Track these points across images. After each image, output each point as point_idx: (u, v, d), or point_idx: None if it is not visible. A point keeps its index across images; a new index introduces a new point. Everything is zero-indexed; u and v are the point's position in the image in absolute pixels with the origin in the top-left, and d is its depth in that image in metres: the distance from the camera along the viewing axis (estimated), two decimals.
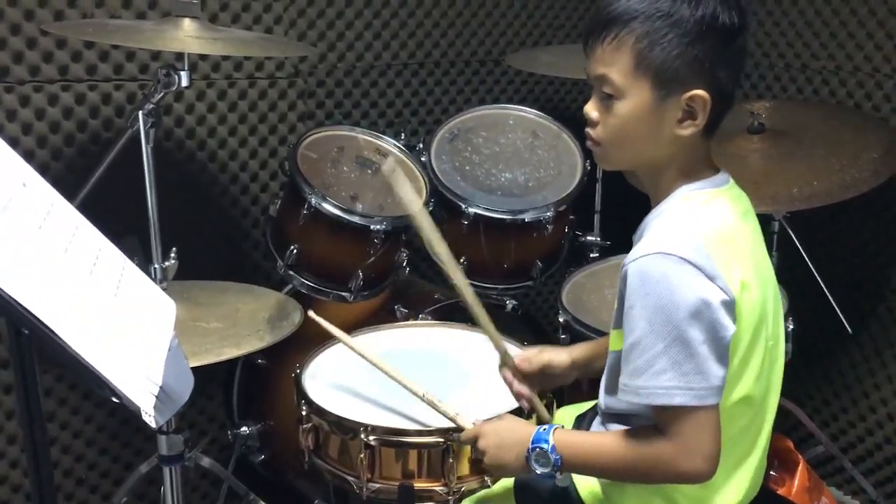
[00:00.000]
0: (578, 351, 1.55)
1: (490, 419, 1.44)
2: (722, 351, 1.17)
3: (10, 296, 0.74)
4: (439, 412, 1.50)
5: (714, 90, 1.21)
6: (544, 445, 1.29)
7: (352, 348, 1.67)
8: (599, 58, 1.23)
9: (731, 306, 1.17)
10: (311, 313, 1.70)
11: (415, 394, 1.54)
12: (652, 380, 1.17)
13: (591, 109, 1.27)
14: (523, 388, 1.52)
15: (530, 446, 1.30)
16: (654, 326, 1.16)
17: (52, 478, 0.99)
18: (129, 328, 0.93)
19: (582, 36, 1.28)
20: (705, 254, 1.16)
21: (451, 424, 1.49)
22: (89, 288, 0.89)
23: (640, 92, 1.21)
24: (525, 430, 1.34)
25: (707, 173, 1.28)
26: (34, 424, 1.03)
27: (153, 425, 0.85)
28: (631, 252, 1.21)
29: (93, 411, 2.19)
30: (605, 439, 1.30)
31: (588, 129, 1.28)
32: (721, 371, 1.17)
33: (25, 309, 0.75)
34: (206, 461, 2.06)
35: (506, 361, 1.55)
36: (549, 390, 1.58)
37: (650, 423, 1.23)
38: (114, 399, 0.84)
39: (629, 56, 1.20)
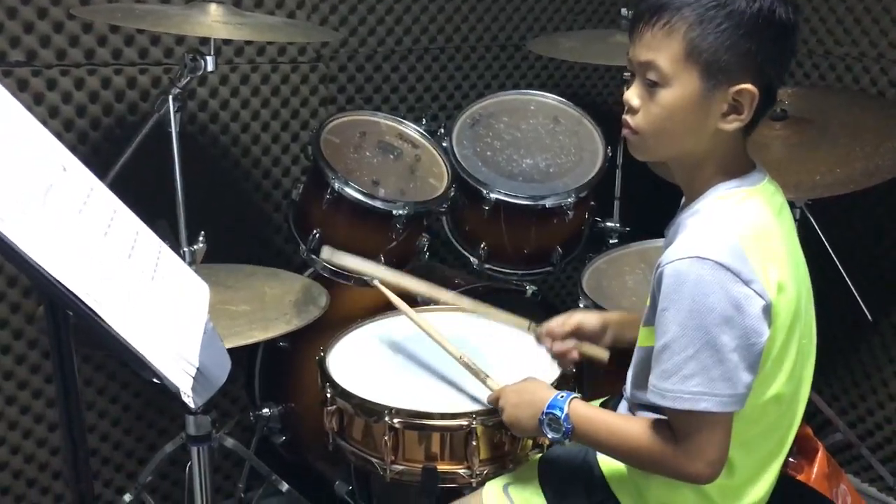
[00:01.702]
0: (612, 315, 1.57)
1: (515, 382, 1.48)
2: (753, 359, 1.17)
3: (56, 279, 0.76)
4: (472, 373, 1.55)
5: (762, 85, 1.19)
6: (558, 413, 1.32)
7: (407, 314, 1.72)
8: (647, 43, 1.20)
9: (767, 310, 1.17)
10: (376, 282, 1.77)
11: (452, 354, 1.59)
12: (679, 384, 1.17)
13: (633, 96, 1.23)
14: (564, 345, 1.55)
15: (545, 411, 1.33)
16: (685, 330, 1.16)
17: (89, 461, 1.01)
18: (166, 311, 0.94)
19: (630, 20, 1.25)
20: (742, 257, 1.15)
21: (476, 407, 1.52)
22: (128, 271, 0.91)
23: (687, 81, 1.18)
24: (544, 393, 1.37)
25: (744, 170, 1.26)
26: (70, 403, 1.05)
27: (192, 406, 0.87)
28: (666, 253, 1.20)
29: (118, 392, 2.22)
30: (618, 422, 1.32)
31: (626, 117, 1.25)
32: (749, 379, 1.17)
33: (71, 293, 0.77)
34: (229, 442, 2.09)
35: (538, 333, 1.58)
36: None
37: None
38: (154, 380, 0.85)
39: (680, 43, 1.17)
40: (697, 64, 1.17)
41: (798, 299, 1.24)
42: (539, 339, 1.60)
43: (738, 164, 1.26)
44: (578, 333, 1.56)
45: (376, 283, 1.77)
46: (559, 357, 1.58)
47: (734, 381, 1.16)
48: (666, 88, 1.20)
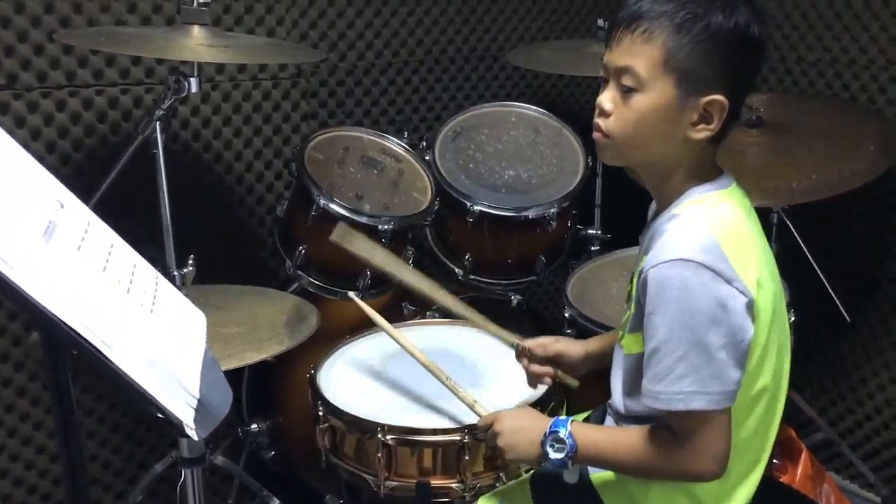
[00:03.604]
0: (593, 345, 1.59)
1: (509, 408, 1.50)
2: (740, 355, 1.20)
3: (63, 322, 0.77)
4: (458, 397, 1.56)
5: (732, 98, 1.22)
6: (562, 430, 1.32)
7: (389, 332, 1.73)
8: (626, 48, 1.22)
9: (750, 307, 1.20)
10: (351, 294, 1.84)
11: (438, 378, 1.60)
12: (671, 385, 1.20)
13: (605, 100, 1.25)
14: (542, 369, 1.57)
15: (548, 430, 1.34)
16: (674, 332, 1.18)
17: (88, 488, 1.02)
18: (166, 343, 0.95)
19: (607, 26, 1.28)
20: (722, 257, 1.18)
21: (467, 421, 1.54)
22: (129, 306, 0.92)
23: (662, 88, 1.21)
24: (542, 418, 1.39)
25: (713, 175, 1.29)
26: (69, 435, 1.06)
27: (195, 439, 0.88)
28: (648, 258, 1.23)
29: (106, 412, 2.22)
30: (620, 434, 1.34)
31: (598, 120, 1.27)
32: (738, 375, 1.20)
33: (78, 334, 0.77)
34: (219, 459, 2.10)
35: (521, 351, 1.60)
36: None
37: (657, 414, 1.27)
38: (158, 415, 0.86)
39: (659, 50, 1.20)
40: (674, 72, 1.21)
41: (774, 296, 1.28)
42: (518, 355, 1.62)
43: (707, 171, 1.29)
44: (558, 360, 1.58)
45: (355, 297, 1.78)
46: (534, 377, 1.60)
47: (724, 378, 1.19)
48: (640, 94, 1.22)
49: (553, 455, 1.33)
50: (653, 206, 1.39)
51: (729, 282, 1.18)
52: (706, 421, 1.21)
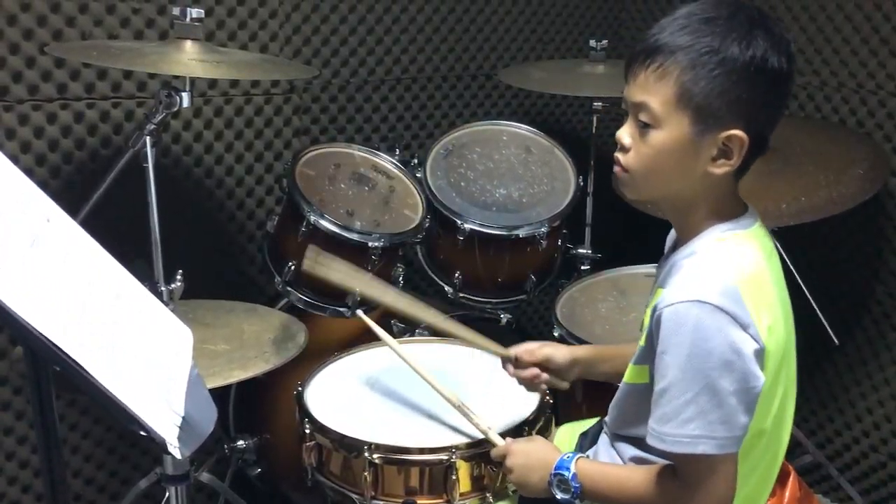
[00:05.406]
0: (582, 351, 1.60)
1: (520, 439, 1.49)
2: (750, 401, 1.18)
3: (42, 334, 0.76)
4: (472, 423, 1.55)
5: (753, 132, 1.19)
6: (566, 473, 1.33)
7: (395, 351, 1.72)
8: (641, 84, 1.21)
9: (761, 355, 1.17)
10: (359, 312, 1.87)
11: (450, 402, 1.59)
12: (678, 428, 1.18)
13: (625, 135, 1.25)
14: (529, 372, 1.57)
15: (553, 471, 1.34)
16: (685, 374, 1.16)
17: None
18: (151, 360, 0.95)
19: (625, 60, 1.26)
20: (740, 303, 1.16)
21: (455, 440, 1.53)
22: (113, 321, 0.91)
23: (678, 124, 1.19)
24: (551, 454, 1.39)
25: (737, 212, 1.27)
26: (51, 450, 1.05)
27: (178, 457, 0.87)
28: (664, 295, 1.20)
29: (90, 427, 2.20)
30: (624, 474, 1.33)
31: (617, 155, 1.26)
32: (746, 420, 1.18)
33: (59, 348, 0.77)
34: (204, 476, 2.08)
35: (508, 359, 1.60)
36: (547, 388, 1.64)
37: (658, 451, 1.25)
38: (141, 433, 0.86)
39: (672, 87, 1.18)
40: (688, 108, 1.18)
41: (786, 343, 1.26)
42: (504, 364, 1.61)
43: (730, 207, 1.27)
44: (546, 365, 1.58)
45: (361, 314, 1.79)
46: (525, 383, 1.60)
47: (732, 423, 1.17)
48: (657, 130, 1.21)
49: (560, 495, 1.34)
50: (671, 237, 1.38)
51: (744, 328, 1.16)
52: (711, 465, 1.19)
